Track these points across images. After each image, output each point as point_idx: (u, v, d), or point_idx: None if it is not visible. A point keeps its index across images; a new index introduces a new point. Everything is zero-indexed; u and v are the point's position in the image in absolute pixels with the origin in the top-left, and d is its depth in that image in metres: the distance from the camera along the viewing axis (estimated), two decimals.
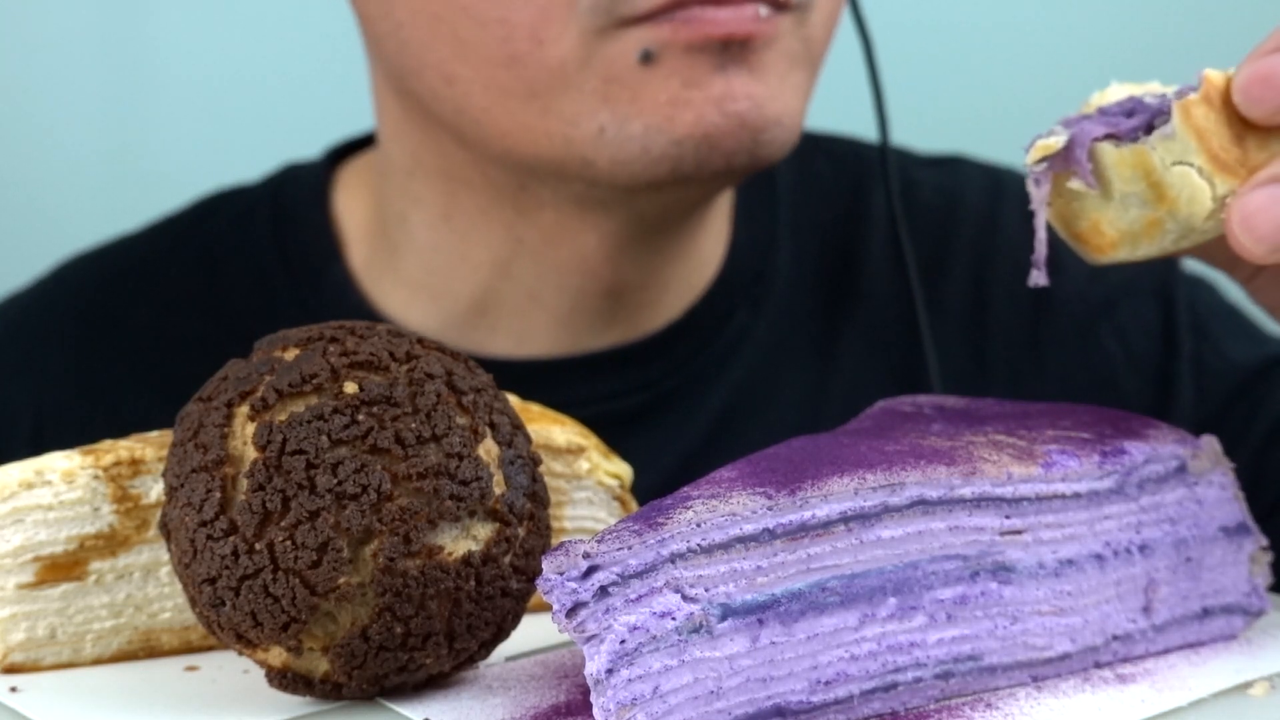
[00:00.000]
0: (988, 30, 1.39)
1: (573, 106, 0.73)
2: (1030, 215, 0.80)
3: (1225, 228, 0.53)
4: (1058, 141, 0.54)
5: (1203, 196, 0.53)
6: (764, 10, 0.73)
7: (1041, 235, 0.55)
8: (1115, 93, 0.56)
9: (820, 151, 0.92)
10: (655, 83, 0.73)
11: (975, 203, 0.90)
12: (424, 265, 0.83)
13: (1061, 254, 0.89)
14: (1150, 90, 0.56)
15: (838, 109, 1.03)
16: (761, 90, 0.73)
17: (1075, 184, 0.54)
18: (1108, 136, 0.53)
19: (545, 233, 0.80)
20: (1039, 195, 0.54)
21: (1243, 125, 0.53)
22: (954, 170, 0.92)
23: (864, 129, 0.91)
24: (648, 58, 0.72)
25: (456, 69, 0.75)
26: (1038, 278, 0.56)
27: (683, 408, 0.84)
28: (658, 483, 0.67)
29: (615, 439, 0.66)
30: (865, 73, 0.86)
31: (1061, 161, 0.54)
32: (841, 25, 0.87)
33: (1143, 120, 0.53)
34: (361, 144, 0.89)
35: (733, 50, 0.73)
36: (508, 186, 0.79)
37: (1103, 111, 0.55)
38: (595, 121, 0.73)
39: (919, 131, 0.98)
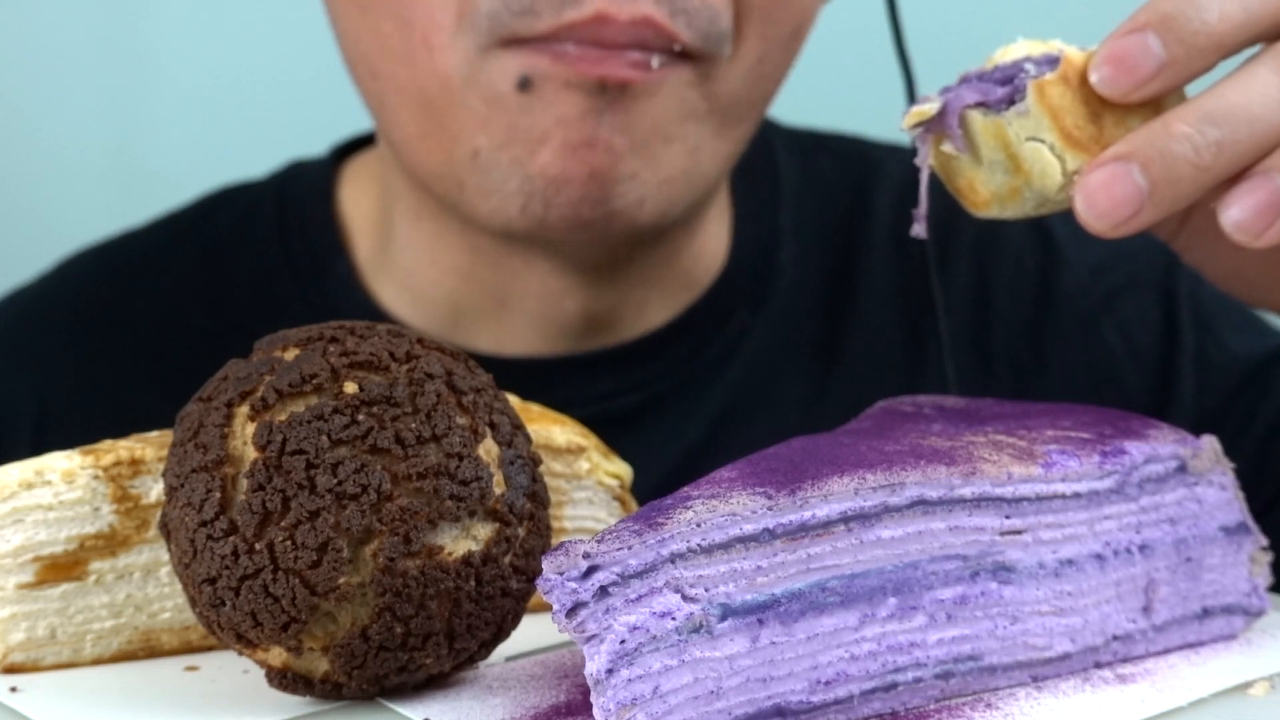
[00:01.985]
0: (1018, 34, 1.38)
1: (458, 122, 0.72)
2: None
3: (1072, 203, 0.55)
4: (931, 108, 0.56)
5: (1053, 172, 0.55)
6: (656, 61, 0.70)
7: (923, 191, 0.57)
8: (1018, 49, 0.58)
9: (823, 150, 0.92)
10: (533, 113, 0.71)
11: None
12: (406, 263, 0.83)
13: (1065, 249, 0.89)
14: (1050, 49, 0.57)
15: (870, 109, 1.03)
16: (624, 142, 0.71)
17: (947, 148, 0.57)
18: (979, 105, 0.56)
19: (499, 248, 0.79)
20: (920, 156, 0.57)
21: (1100, 103, 0.55)
22: None
23: (893, 132, 0.91)
24: (525, 84, 0.70)
25: (380, 64, 0.75)
26: (918, 230, 0.58)
27: (681, 407, 0.83)
28: (657, 482, 0.66)
29: (613, 439, 0.65)
30: (899, 74, 0.85)
31: (938, 125, 0.56)
32: (876, 26, 0.86)
33: (1009, 92, 0.55)
34: (368, 141, 0.90)
35: (610, 94, 0.70)
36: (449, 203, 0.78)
37: (983, 76, 0.57)
38: (473, 143, 0.72)
39: None
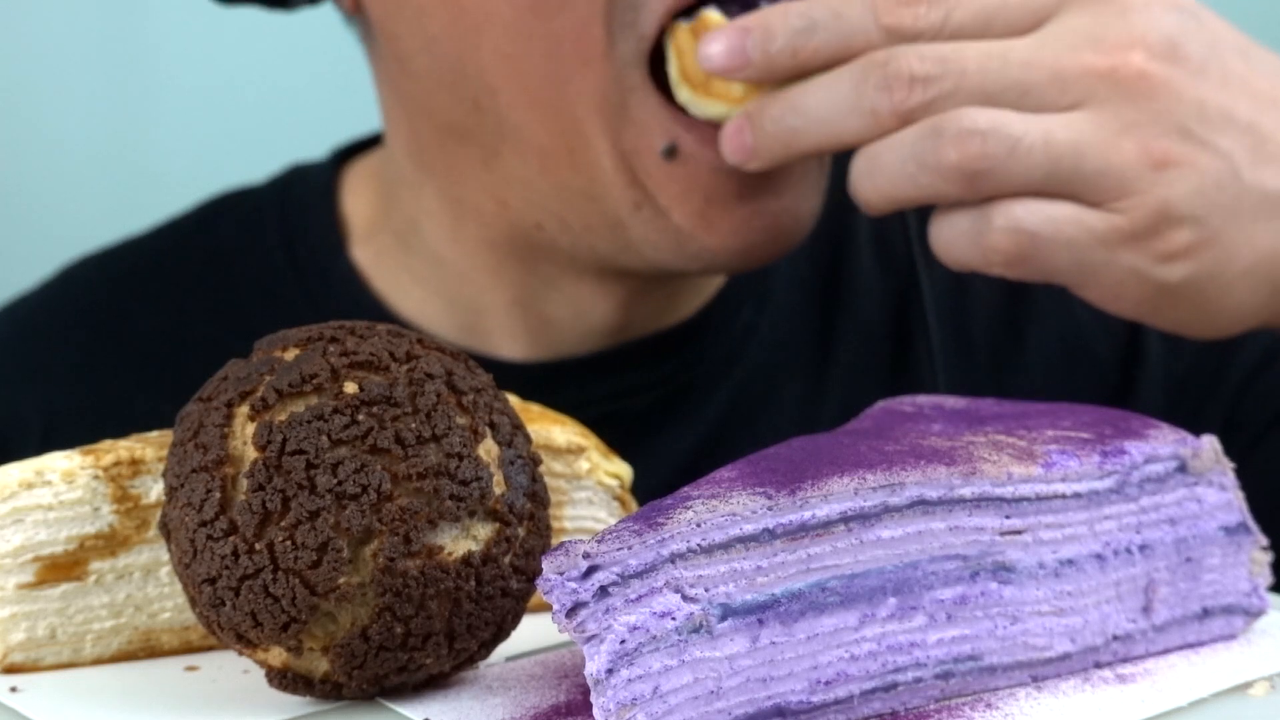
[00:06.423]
0: None
1: (600, 185, 0.73)
2: None
3: None
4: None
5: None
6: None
7: None
8: None
9: None
10: (679, 182, 0.73)
11: None
12: (435, 272, 0.83)
13: None
14: None
15: None
16: (793, 204, 0.75)
17: None
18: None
19: (550, 280, 0.80)
20: None
21: None
22: None
23: None
24: (671, 153, 0.72)
25: (499, 81, 0.74)
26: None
27: (693, 403, 0.84)
28: (670, 478, 0.67)
29: (630, 436, 0.66)
30: None
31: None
32: None
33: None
34: (366, 144, 0.90)
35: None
36: (517, 233, 0.78)
37: None
38: (616, 211, 0.74)
39: None
